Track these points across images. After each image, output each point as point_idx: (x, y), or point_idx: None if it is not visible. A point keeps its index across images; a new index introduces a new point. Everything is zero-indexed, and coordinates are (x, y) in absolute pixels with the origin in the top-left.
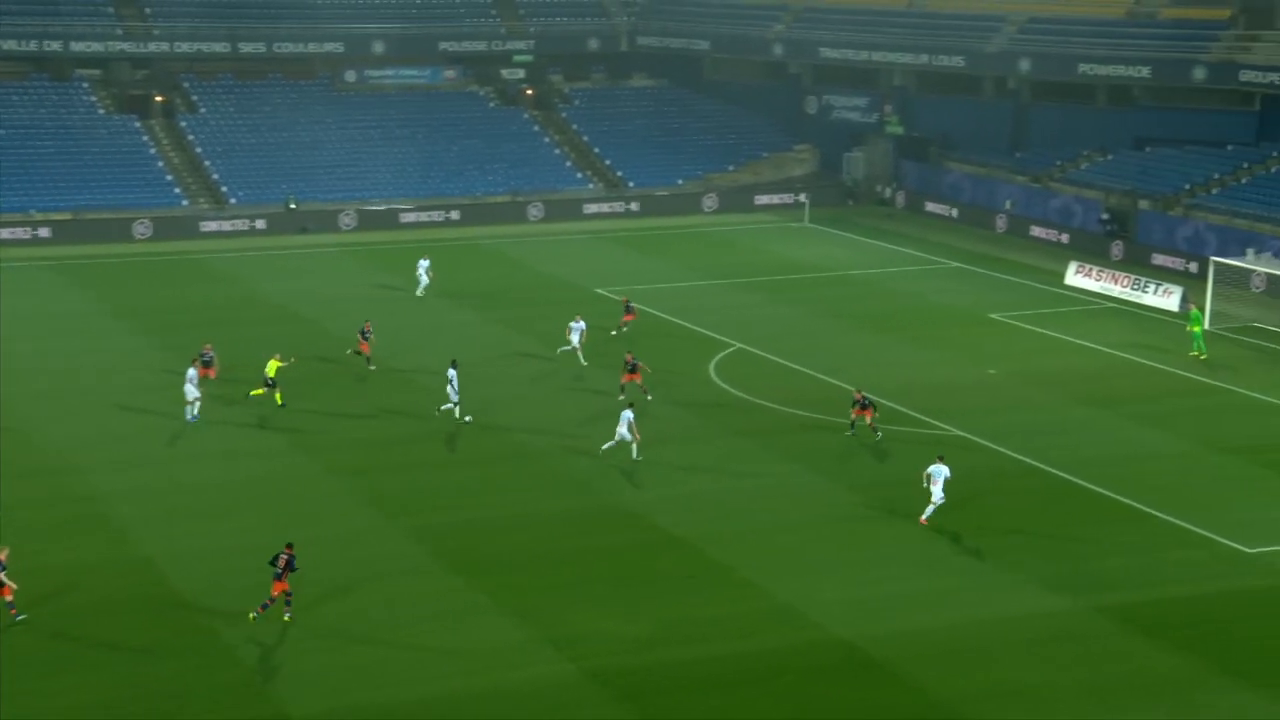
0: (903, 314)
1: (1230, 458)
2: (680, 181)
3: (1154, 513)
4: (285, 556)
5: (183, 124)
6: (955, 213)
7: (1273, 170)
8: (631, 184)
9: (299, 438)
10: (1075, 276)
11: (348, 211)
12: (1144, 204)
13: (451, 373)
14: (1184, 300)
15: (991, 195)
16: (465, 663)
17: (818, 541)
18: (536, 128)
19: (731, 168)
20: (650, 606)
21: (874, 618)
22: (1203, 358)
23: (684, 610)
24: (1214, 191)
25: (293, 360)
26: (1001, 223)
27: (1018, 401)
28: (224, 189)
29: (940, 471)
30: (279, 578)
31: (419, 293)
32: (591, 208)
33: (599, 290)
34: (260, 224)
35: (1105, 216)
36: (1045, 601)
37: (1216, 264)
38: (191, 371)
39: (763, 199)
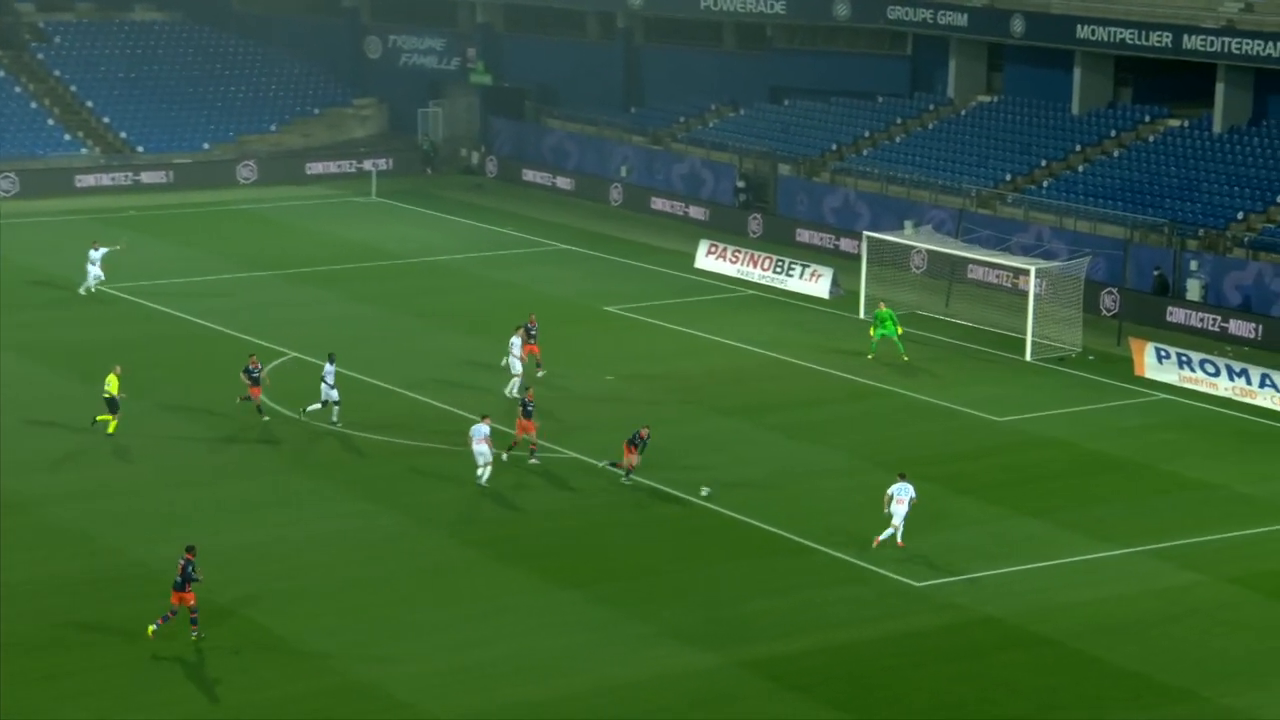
0: (500, 309)
1: (894, 474)
2: (206, 146)
3: (809, 544)
4: (182, 563)
5: None
6: (560, 182)
7: (930, 126)
8: (140, 149)
9: None
10: (707, 258)
11: None
12: (784, 168)
13: (329, 368)
14: (834, 284)
15: (603, 160)
16: None
17: (406, 599)
18: (1, 73)
19: (274, 128)
20: (184, 690)
21: (477, 691)
22: (899, 359)
23: (240, 693)
24: (864, 152)
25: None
26: (616, 194)
27: (642, 413)
28: None
29: (904, 490)
30: (179, 588)
31: (91, 288)
32: (87, 180)
33: (106, 289)
34: None
35: (740, 184)
36: (682, 658)
37: (870, 240)
38: None
39: (316, 167)
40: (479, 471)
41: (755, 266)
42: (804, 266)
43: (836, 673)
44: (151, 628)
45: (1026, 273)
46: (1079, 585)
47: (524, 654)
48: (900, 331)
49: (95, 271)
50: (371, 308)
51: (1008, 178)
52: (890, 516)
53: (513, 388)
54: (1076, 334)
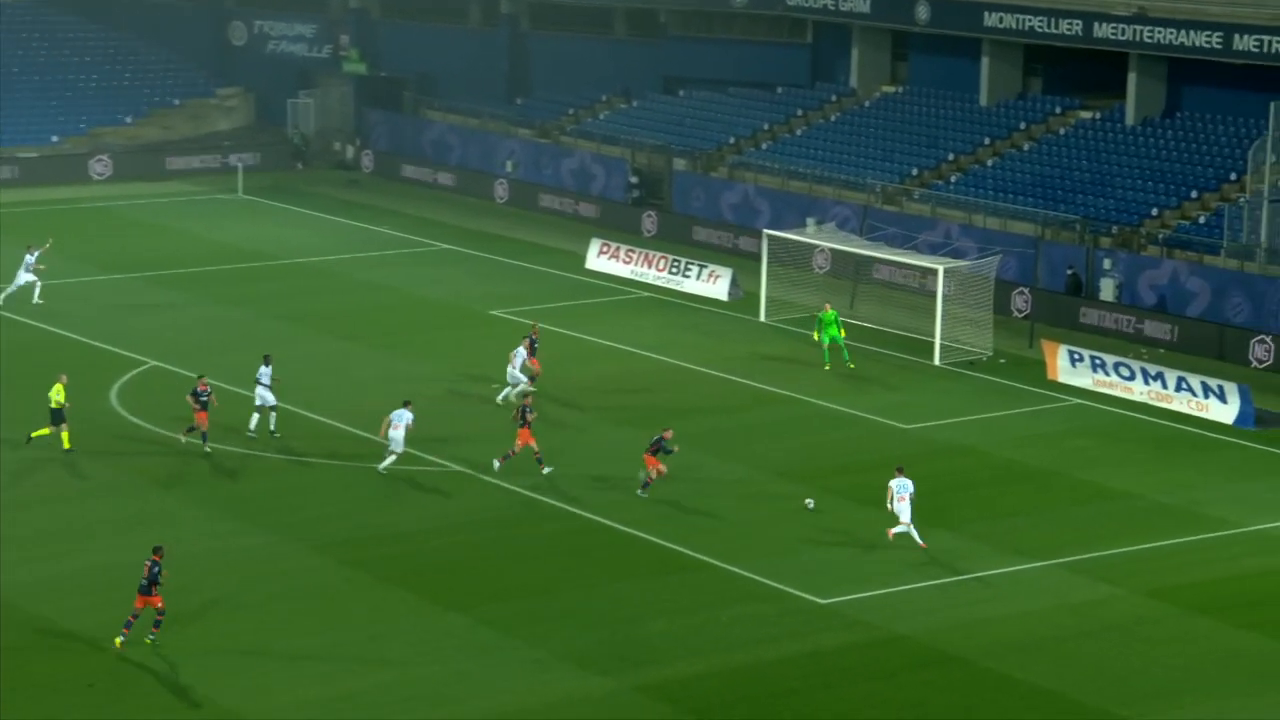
0: (377, 313)
1: (796, 485)
2: (55, 139)
3: (707, 559)
4: (148, 564)
5: None
6: (441, 177)
7: (832, 118)
8: None
9: None
10: (599, 259)
11: None
12: (679, 163)
13: (264, 370)
14: (733, 285)
15: (487, 154)
16: None
17: (279, 623)
18: None
19: (130, 120)
20: None
21: None
22: (851, 367)
23: None
24: (764, 146)
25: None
26: (501, 190)
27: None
28: None
29: (904, 487)
30: (145, 591)
31: (16, 293)
32: None
33: None
34: None
35: (633, 180)
36: (576, 683)
37: (771, 238)
38: None
39: (177, 162)
40: (386, 460)
41: (650, 267)
42: (701, 267)
43: (738, 696)
44: (119, 639)
45: (934, 272)
46: (992, 600)
47: (407, 682)
48: (843, 335)
49: (29, 277)
50: (239, 311)
51: (914, 172)
52: (897, 515)
53: (507, 394)
54: (987, 336)
